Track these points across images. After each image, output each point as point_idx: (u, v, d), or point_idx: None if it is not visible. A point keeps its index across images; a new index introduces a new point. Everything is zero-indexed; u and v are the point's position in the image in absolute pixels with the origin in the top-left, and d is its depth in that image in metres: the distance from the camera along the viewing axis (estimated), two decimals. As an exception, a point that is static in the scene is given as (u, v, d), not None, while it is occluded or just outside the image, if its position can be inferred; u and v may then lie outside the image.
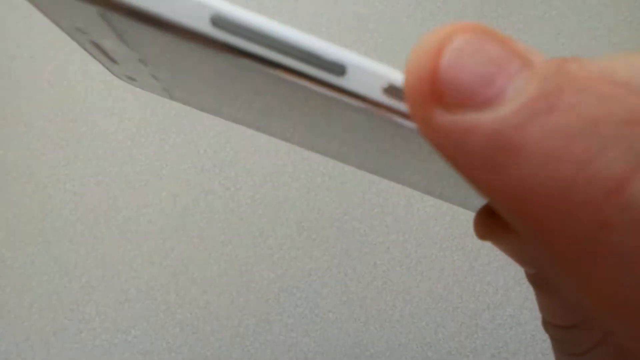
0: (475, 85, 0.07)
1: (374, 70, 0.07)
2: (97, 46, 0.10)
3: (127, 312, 0.38)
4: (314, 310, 0.37)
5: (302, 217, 0.38)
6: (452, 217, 0.38)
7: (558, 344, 0.11)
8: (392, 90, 0.07)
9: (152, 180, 0.39)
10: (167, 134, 0.40)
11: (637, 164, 0.06)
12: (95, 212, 0.39)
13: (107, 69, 0.12)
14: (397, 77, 0.07)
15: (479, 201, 0.10)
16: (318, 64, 0.07)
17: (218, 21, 0.07)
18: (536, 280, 0.11)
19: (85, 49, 0.11)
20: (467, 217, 0.37)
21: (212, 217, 0.39)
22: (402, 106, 0.07)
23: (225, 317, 0.37)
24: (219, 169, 0.39)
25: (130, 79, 0.13)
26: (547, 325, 0.11)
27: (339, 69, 0.07)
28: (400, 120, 0.07)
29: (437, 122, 0.07)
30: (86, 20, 0.08)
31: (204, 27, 0.07)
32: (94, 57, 0.11)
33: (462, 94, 0.07)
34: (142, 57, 0.10)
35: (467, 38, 0.07)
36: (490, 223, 0.10)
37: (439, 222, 0.38)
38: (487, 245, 0.33)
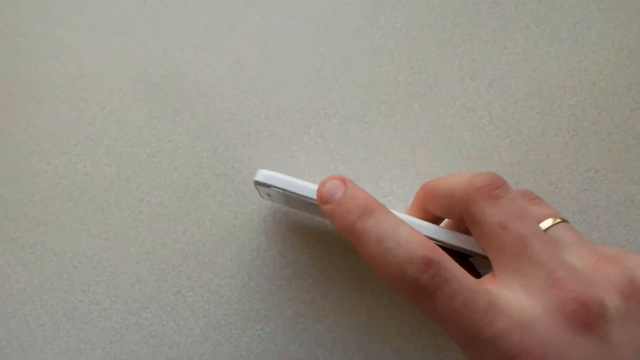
0: (327, 197, 0.27)
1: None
2: (269, 195, 0.33)
3: (138, 293, 0.38)
4: (326, 296, 0.38)
5: (315, 203, 0.38)
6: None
7: None
8: None
9: (163, 162, 0.39)
10: (180, 116, 0.40)
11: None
12: (106, 193, 0.39)
13: (260, 196, 0.37)
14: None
15: None
16: None
17: None
18: None
19: (260, 193, 0.35)
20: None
21: (224, 200, 0.39)
22: None
23: (235, 301, 0.38)
24: (232, 152, 0.39)
25: (270, 200, 0.37)
26: None
27: None
28: None
29: (320, 206, 0.27)
30: (274, 192, 0.32)
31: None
32: (260, 194, 0.35)
33: (324, 200, 0.27)
34: (287, 200, 0.32)
35: (329, 182, 0.27)
36: None
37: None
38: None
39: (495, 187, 0.24)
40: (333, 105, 0.40)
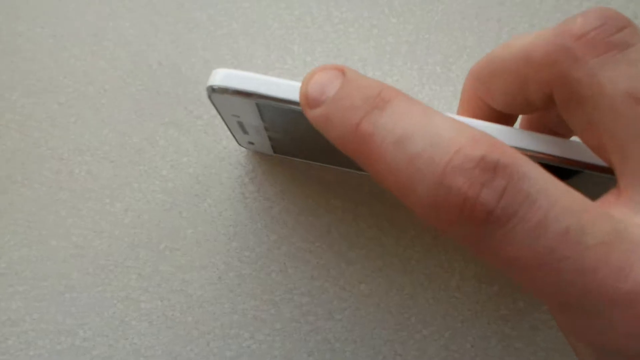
0: (315, 95, 0.16)
1: None
2: (241, 124, 0.22)
3: (70, 305, 0.27)
4: (339, 281, 0.27)
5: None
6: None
7: None
8: None
9: (85, 114, 0.28)
10: (103, 43, 0.28)
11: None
12: (7, 165, 0.27)
13: (235, 138, 0.25)
14: None
15: None
16: None
17: None
18: None
19: (228, 125, 0.23)
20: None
21: (178, 159, 0.27)
22: None
23: (210, 302, 0.27)
24: (183, 89, 0.27)
25: (250, 144, 0.25)
26: None
27: None
28: None
29: (307, 112, 0.16)
30: (244, 109, 0.20)
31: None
32: (230, 129, 0.23)
33: (310, 101, 0.16)
34: (267, 126, 0.21)
35: (318, 75, 0.16)
36: None
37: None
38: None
39: (616, 30, 0.14)
40: (324, 5, 0.28)
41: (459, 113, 0.21)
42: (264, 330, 0.27)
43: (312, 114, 0.16)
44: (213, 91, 0.19)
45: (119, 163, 0.27)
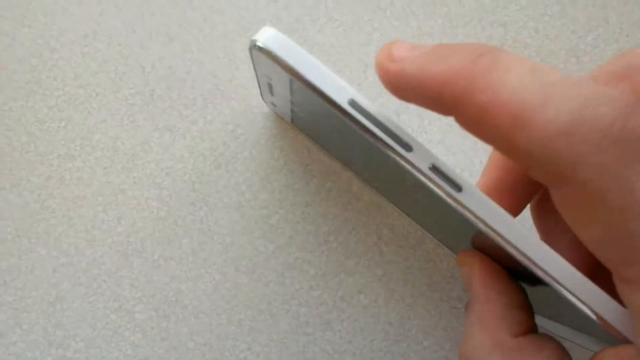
0: (401, 55, 0.15)
1: (425, 151, 0.16)
2: (270, 87, 0.22)
3: (61, 316, 0.26)
4: (338, 291, 0.26)
5: (310, 158, 0.26)
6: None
7: None
8: (433, 168, 0.16)
9: (75, 118, 0.27)
10: (93, 44, 0.27)
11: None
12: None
13: (261, 93, 0.25)
14: (438, 159, 0.16)
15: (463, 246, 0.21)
16: (398, 142, 0.16)
17: (352, 104, 0.16)
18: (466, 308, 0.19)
19: (259, 80, 0.22)
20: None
21: (173, 166, 0.27)
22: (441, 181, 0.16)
23: (206, 313, 0.26)
24: (177, 92, 0.27)
25: (272, 105, 0.25)
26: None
27: (407, 146, 0.16)
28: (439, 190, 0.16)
29: (385, 66, 0.15)
30: (277, 77, 0.19)
31: (344, 104, 0.16)
32: (259, 84, 0.23)
33: (394, 56, 0.16)
34: (294, 101, 0.21)
35: (396, 43, 0.16)
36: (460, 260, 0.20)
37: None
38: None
39: None
40: (324, 7, 0.27)
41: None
42: (261, 342, 0.26)
43: (394, 66, 0.15)
44: (253, 47, 0.17)
45: (111, 170, 0.26)
